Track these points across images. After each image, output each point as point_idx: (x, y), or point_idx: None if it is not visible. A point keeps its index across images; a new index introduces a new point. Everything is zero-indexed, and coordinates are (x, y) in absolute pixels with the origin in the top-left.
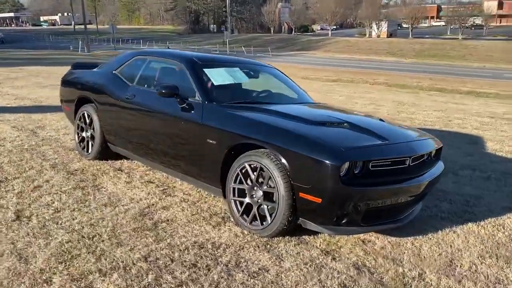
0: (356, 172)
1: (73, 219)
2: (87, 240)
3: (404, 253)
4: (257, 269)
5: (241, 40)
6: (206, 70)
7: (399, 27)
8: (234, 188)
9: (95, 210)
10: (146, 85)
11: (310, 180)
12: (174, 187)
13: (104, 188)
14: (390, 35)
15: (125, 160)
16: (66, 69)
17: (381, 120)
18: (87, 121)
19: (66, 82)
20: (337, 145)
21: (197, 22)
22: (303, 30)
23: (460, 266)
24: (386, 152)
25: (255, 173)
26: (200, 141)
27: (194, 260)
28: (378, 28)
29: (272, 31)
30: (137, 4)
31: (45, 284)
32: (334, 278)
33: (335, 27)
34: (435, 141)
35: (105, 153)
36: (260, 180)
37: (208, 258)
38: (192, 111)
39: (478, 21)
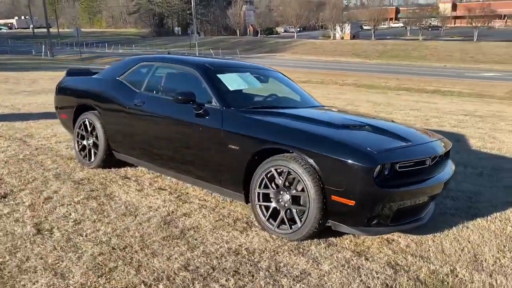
0: (386, 173)
1: (97, 231)
2: (119, 252)
3: (429, 250)
4: (299, 273)
5: (208, 43)
6: (220, 76)
7: (360, 29)
8: (259, 193)
9: (116, 220)
10: (156, 92)
11: (343, 183)
12: (187, 193)
13: (117, 197)
14: (353, 37)
15: (128, 168)
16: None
17: (393, 121)
18: (89, 129)
19: (62, 89)
20: (369, 148)
21: (162, 24)
22: (268, 32)
23: (485, 261)
24: (411, 154)
25: (281, 177)
26: (221, 147)
27: (235, 267)
28: (341, 30)
29: (238, 34)
30: (98, 7)
31: None
32: (375, 278)
33: (298, 29)
34: (446, 141)
35: (109, 161)
36: (287, 184)
37: (247, 265)
38: (210, 117)
39: (434, 22)
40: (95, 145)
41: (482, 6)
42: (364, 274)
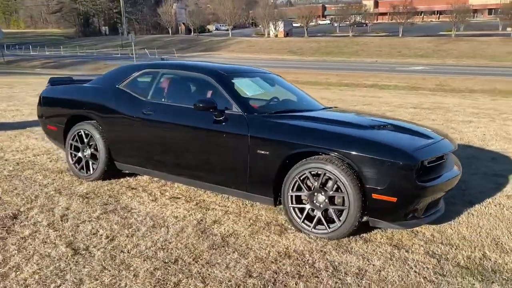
0: (420, 170)
1: (137, 245)
2: (173, 265)
3: (453, 238)
4: (357, 270)
5: (140, 42)
6: (235, 82)
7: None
8: (292, 196)
9: (150, 233)
10: (166, 100)
11: (384, 181)
12: (204, 200)
13: (136, 209)
14: (286, 34)
15: (128, 178)
16: None
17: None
18: (85, 140)
19: (49, 99)
20: (407, 147)
21: (87, 24)
22: (200, 30)
23: (506, 243)
24: (436, 150)
25: (316, 179)
26: (249, 152)
27: (295, 270)
28: (275, 28)
29: (170, 32)
30: (14, 6)
31: None
32: (425, 268)
33: (230, 27)
34: (450, 137)
35: (110, 172)
36: (319, 185)
37: (306, 266)
38: (233, 123)
39: (358, 19)
40: (93, 156)
41: (404, 3)
42: (414, 265)
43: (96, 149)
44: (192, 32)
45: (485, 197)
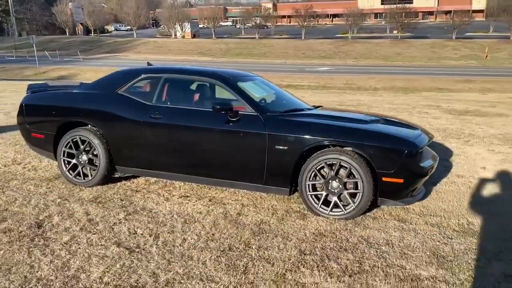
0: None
1: (185, 240)
2: (232, 252)
3: (437, 210)
4: (385, 241)
5: (37, 44)
6: (241, 85)
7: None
8: (309, 185)
9: (188, 229)
10: (174, 103)
11: (393, 166)
12: (214, 196)
13: (155, 209)
14: (194, 35)
15: (126, 181)
16: None
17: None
18: (81, 146)
19: (35, 107)
20: (409, 136)
21: None
22: (100, 31)
23: (476, 211)
24: (425, 139)
25: (332, 168)
26: (267, 148)
27: (338, 245)
28: (182, 29)
29: (67, 33)
30: None
31: None
32: (434, 234)
33: (129, 27)
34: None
35: (109, 177)
36: (332, 173)
37: (343, 242)
38: (249, 123)
39: (259, 21)
40: (90, 162)
41: (306, 7)
42: (425, 233)
43: (94, 155)
44: (92, 33)
45: (441, 177)
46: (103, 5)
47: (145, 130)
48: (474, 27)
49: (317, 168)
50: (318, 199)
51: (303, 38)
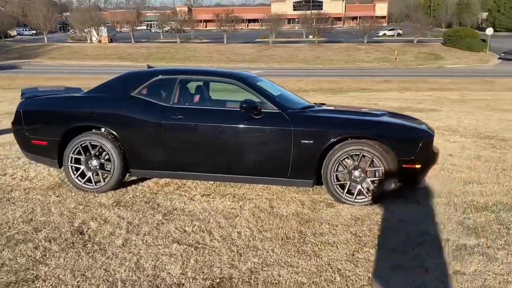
0: None
1: (240, 233)
2: (295, 240)
3: (442, 192)
4: (418, 220)
5: None
6: (259, 84)
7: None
8: (334, 176)
9: (235, 224)
10: (194, 104)
11: (412, 153)
12: (235, 193)
13: (186, 208)
14: (111, 40)
15: (136, 185)
16: None
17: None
18: (92, 151)
19: (36, 113)
20: (423, 127)
21: None
22: (3, 36)
23: (477, 191)
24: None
25: (355, 158)
26: (293, 143)
27: (381, 226)
28: (98, 34)
29: None
30: None
31: None
32: (452, 211)
33: (34, 31)
34: None
35: (122, 181)
36: (355, 163)
37: (383, 223)
38: (274, 120)
39: (174, 25)
40: (102, 167)
41: (227, 12)
42: (445, 211)
43: (106, 159)
44: None
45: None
46: (1, 8)
47: (166, 131)
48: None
49: (341, 159)
50: (343, 188)
51: (225, 42)
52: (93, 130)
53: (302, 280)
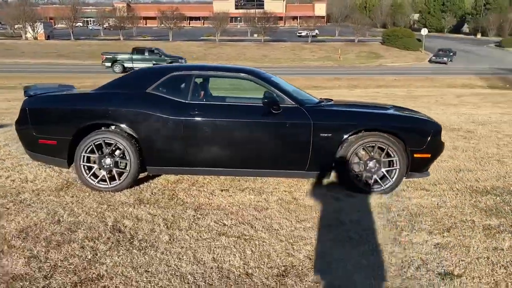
0: None
1: (281, 225)
2: (340, 230)
3: (450, 178)
4: (434, 205)
5: None
6: (274, 80)
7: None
8: (350, 167)
9: (275, 216)
10: (213, 100)
11: (424, 143)
12: (252, 187)
13: (214, 203)
14: (48, 37)
15: (148, 182)
16: None
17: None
18: (106, 150)
19: (44, 111)
20: (432, 119)
21: None
22: None
23: (475, 179)
24: None
25: (370, 149)
26: (312, 136)
27: (407, 212)
28: (34, 30)
29: None
30: None
31: None
32: (463, 197)
33: None
34: None
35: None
36: (372, 154)
37: (406, 209)
38: (293, 114)
39: (112, 22)
40: (116, 165)
41: (172, 9)
42: (455, 197)
43: (121, 157)
44: None
45: None
46: None
47: (185, 127)
48: (323, 31)
49: (357, 151)
50: (360, 178)
51: (170, 40)
52: (105, 128)
53: (362, 262)
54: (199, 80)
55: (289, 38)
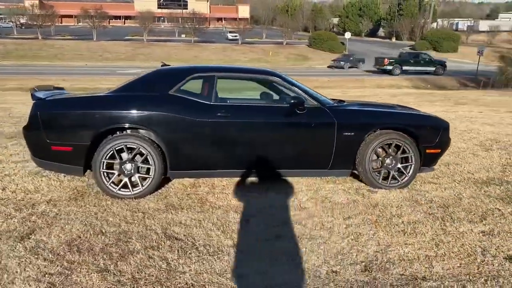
0: None
1: (324, 223)
2: (396, 219)
3: (456, 171)
4: (443, 200)
5: None
6: (294, 81)
7: None
8: (371, 164)
9: (318, 214)
10: (237, 101)
11: (434, 139)
12: (274, 187)
13: (256, 205)
14: None
15: (164, 188)
16: None
17: None
18: (128, 155)
19: (60, 115)
20: (439, 117)
21: None
22: None
23: (475, 171)
24: None
25: (386, 147)
26: (336, 136)
27: (435, 203)
28: None
29: None
30: None
31: None
32: (473, 189)
33: None
34: None
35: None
36: (389, 151)
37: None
38: (317, 114)
39: (23, 20)
40: (138, 170)
41: (95, 8)
42: (465, 188)
43: (143, 162)
44: None
45: None
46: None
47: (212, 130)
48: (251, 34)
49: (375, 149)
50: (379, 175)
51: (95, 39)
52: (125, 132)
53: (428, 254)
54: (221, 82)
55: (217, 39)
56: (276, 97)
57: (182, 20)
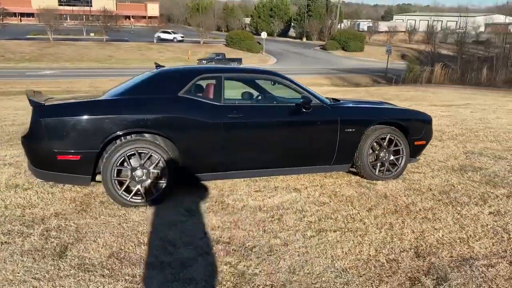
0: None
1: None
2: (405, 216)
3: (449, 160)
4: (443, 188)
5: None
6: (295, 81)
7: None
8: (367, 158)
9: (338, 209)
10: (246, 101)
11: (421, 132)
12: (282, 186)
13: (274, 204)
14: None
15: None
16: None
17: None
18: (141, 161)
19: (66, 122)
20: (423, 112)
21: None
22: None
23: (469, 159)
24: None
25: (383, 140)
26: (339, 132)
27: (440, 190)
28: None
29: None
30: None
31: None
32: (465, 177)
33: None
34: None
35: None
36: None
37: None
38: (322, 112)
39: None
40: (149, 176)
41: None
42: (462, 175)
43: (156, 167)
44: None
45: None
46: None
47: (224, 131)
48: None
49: (372, 144)
50: (375, 168)
51: None
52: (135, 136)
53: (460, 236)
54: (228, 82)
55: (131, 38)
56: (280, 97)
57: (90, 18)
